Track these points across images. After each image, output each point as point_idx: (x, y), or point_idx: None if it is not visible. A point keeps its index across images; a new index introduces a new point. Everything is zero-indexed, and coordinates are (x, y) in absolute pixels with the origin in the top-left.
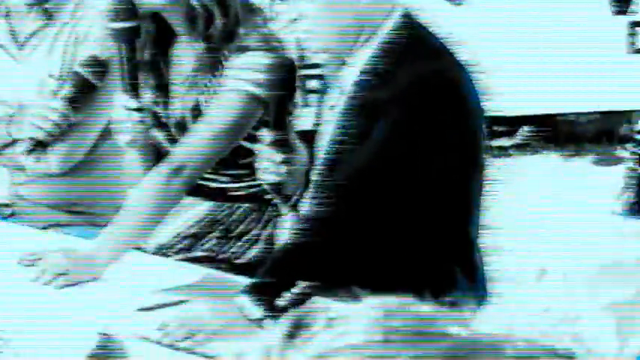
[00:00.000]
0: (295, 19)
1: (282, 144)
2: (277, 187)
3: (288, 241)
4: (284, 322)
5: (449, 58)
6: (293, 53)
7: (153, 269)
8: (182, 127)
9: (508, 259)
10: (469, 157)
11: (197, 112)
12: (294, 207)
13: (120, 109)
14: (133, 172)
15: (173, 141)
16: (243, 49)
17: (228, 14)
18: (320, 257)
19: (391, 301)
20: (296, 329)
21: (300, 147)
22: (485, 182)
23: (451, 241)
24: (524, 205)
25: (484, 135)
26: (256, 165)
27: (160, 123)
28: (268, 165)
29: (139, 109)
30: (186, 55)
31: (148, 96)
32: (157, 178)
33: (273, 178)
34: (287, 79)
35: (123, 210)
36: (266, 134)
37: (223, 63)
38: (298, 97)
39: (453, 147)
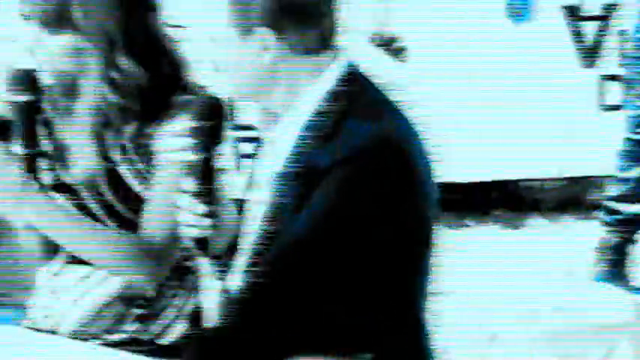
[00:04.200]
0: (215, 67)
1: (206, 195)
2: (201, 244)
3: (218, 322)
4: None
5: (396, 118)
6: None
7: (66, 356)
8: (94, 188)
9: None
10: (417, 228)
11: (109, 173)
12: (224, 271)
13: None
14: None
15: (80, 206)
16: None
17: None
18: (252, 341)
19: None
20: None
21: (228, 200)
22: (436, 256)
23: (396, 321)
24: (480, 279)
25: (435, 204)
26: (178, 218)
27: (63, 187)
28: (190, 218)
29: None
30: (87, 110)
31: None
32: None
33: (195, 233)
34: (213, 126)
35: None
36: (189, 184)
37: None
38: (229, 155)
39: (399, 218)
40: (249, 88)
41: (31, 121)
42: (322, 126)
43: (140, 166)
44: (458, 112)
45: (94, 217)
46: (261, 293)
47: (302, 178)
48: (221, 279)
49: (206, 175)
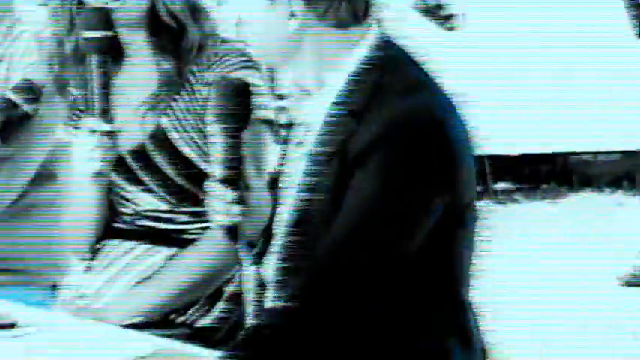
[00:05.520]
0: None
1: (234, 181)
2: (231, 231)
3: (262, 319)
4: None
5: (432, 91)
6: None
7: (95, 336)
8: (141, 156)
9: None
10: (459, 207)
11: (160, 140)
12: (257, 257)
13: (86, 134)
14: (85, 216)
15: (129, 176)
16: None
17: (202, 27)
18: (299, 342)
19: None
20: None
21: (259, 185)
22: (479, 234)
23: (441, 307)
24: (529, 260)
25: (475, 179)
26: (205, 205)
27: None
28: (219, 205)
29: (110, 133)
30: (140, 76)
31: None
32: None
33: (224, 221)
34: (242, 105)
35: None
36: (216, 169)
37: (192, 80)
38: (263, 130)
39: (440, 198)
40: (276, 56)
41: (106, 60)
42: (354, 102)
43: (191, 131)
44: (509, 83)
45: (144, 186)
46: (311, 303)
47: (336, 159)
48: (255, 264)
49: (234, 160)
